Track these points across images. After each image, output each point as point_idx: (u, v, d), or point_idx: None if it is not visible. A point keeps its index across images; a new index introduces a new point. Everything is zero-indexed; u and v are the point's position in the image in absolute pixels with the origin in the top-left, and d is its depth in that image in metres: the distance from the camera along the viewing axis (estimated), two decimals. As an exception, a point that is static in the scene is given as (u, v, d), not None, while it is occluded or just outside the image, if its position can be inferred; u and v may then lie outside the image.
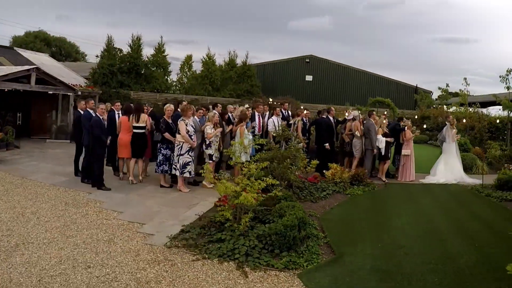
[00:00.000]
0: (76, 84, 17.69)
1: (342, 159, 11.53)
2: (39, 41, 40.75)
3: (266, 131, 11.06)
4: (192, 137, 8.45)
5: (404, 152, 11.03)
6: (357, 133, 10.75)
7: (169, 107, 8.93)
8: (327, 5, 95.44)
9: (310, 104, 22.42)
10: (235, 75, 24.87)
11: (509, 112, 15.82)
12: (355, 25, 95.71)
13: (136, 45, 23.19)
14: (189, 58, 27.81)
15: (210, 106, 10.68)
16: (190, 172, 8.46)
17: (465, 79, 19.10)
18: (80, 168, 9.35)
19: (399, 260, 5.40)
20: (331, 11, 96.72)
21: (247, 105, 13.68)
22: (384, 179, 10.86)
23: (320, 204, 8.18)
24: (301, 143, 10.20)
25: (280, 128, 10.19)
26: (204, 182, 9.06)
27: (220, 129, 9.13)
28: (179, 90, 26.55)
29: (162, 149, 8.79)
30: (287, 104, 13.03)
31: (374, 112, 11.34)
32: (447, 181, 10.96)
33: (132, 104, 9.92)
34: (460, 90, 19.17)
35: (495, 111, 19.98)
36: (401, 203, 8.79)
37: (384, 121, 11.15)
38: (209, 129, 8.78)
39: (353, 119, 11.11)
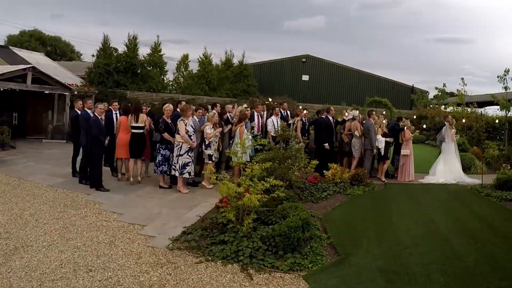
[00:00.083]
0: (72, 84, 17.53)
1: (341, 159, 11.49)
2: (34, 40, 40.36)
3: (265, 131, 11.00)
4: (192, 138, 8.37)
5: (403, 152, 11.02)
6: (357, 133, 10.72)
7: (168, 107, 8.84)
8: (323, 5, 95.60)
9: (306, 103, 22.38)
10: (232, 74, 24.81)
11: (507, 112, 15.89)
12: (351, 25, 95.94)
13: (133, 44, 23.06)
14: (185, 57, 27.71)
15: (209, 106, 10.60)
16: (189, 173, 8.38)
17: (462, 79, 19.23)
18: (77, 168, 9.24)
19: (404, 261, 5.38)
20: (327, 11, 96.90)
21: (245, 105, 13.60)
22: (383, 179, 10.85)
23: (321, 204, 8.14)
24: (301, 143, 10.14)
25: (280, 128, 10.13)
26: (203, 183, 8.99)
27: (219, 129, 9.06)
28: (176, 89, 26.44)
29: (161, 149, 8.70)
30: (286, 104, 12.97)
31: (374, 112, 11.30)
32: (447, 181, 10.96)
33: (130, 104, 9.83)
34: (457, 90, 19.24)
35: (492, 111, 20.11)
36: (401, 203, 8.78)
37: (384, 121, 11.13)
38: (208, 129, 8.70)
39: (353, 118, 11.08)
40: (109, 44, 22.73)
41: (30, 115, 16.70)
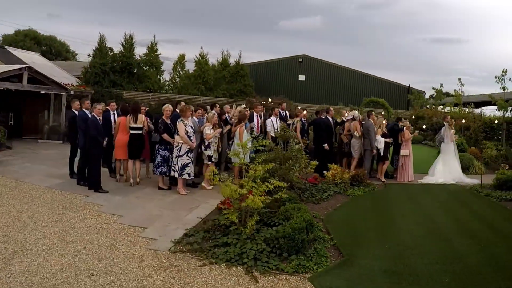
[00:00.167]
0: (68, 84, 17.39)
1: (341, 160, 11.46)
2: (29, 39, 39.98)
3: (265, 132, 10.93)
4: (191, 138, 8.29)
5: (402, 152, 11.02)
6: (356, 134, 10.69)
7: (168, 107, 8.76)
8: (320, 5, 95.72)
9: (303, 104, 22.33)
10: (228, 74, 24.69)
11: (504, 112, 15.94)
12: (348, 25, 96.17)
13: (129, 44, 22.85)
14: (182, 57, 27.52)
15: (208, 107, 10.53)
16: (189, 174, 8.30)
17: (459, 79, 19.26)
18: (75, 170, 9.12)
19: (407, 261, 5.36)
20: (324, 11, 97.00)
21: (243, 105, 13.53)
22: (383, 179, 10.84)
23: (323, 205, 8.10)
24: (300, 143, 10.10)
25: (280, 128, 10.07)
26: (203, 184, 8.92)
27: (219, 130, 8.99)
28: (172, 89, 26.28)
29: (160, 150, 8.61)
30: (284, 104, 12.92)
31: (373, 113, 11.29)
32: (446, 181, 10.98)
33: (128, 104, 9.73)
34: (454, 90, 19.28)
35: (489, 111, 20.20)
36: (402, 203, 8.78)
37: (384, 122, 11.12)
38: (208, 130, 8.63)
39: (353, 119, 11.05)
40: (105, 43, 22.53)
41: (26, 115, 16.52)
